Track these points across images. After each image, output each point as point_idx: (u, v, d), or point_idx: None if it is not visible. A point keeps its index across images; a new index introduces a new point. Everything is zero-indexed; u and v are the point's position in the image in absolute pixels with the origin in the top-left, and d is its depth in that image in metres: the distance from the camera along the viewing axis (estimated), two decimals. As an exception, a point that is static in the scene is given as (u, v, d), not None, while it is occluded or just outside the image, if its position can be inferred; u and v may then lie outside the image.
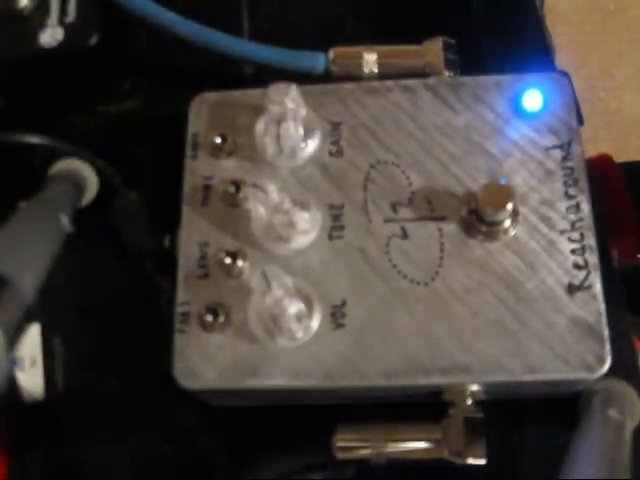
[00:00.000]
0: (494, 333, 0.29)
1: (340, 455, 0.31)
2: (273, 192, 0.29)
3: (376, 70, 0.34)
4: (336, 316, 0.29)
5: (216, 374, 0.29)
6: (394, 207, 0.31)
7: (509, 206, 0.29)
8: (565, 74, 0.33)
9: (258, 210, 0.30)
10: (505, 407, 0.31)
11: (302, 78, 0.33)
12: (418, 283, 0.30)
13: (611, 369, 0.28)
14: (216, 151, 0.32)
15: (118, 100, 0.39)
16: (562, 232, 0.30)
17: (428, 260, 0.30)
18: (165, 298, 0.33)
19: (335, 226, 0.31)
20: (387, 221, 0.31)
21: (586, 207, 0.30)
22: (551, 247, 0.30)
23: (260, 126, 0.32)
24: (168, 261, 0.32)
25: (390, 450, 0.30)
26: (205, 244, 0.31)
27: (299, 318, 0.29)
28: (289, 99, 0.30)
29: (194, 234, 0.31)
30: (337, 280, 0.30)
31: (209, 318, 0.29)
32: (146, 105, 0.39)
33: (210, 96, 0.34)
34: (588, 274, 0.29)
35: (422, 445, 0.30)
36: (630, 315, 0.33)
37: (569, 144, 0.31)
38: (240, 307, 0.30)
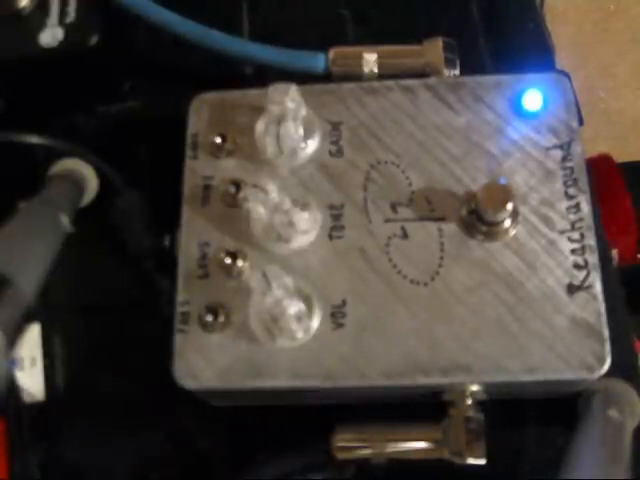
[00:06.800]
0: (494, 333, 0.29)
1: (340, 455, 0.31)
2: (273, 192, 0.29)
3: (376, 70, 0.34)
4: (336, 316, 0.29)
5: (216, 374, 0.29)
6: (394, 207, 0.31)
7: (509, 206, 0.29)
8: (565, 74, 0.33)
9: (258, 210, 0.30)
10: (505, 407, 0.31)
11: (302, 78, 0.33)
12: (418, 283, 0.30)
13: (611, 369, 0.28)
14: (216, 151, 0.32)
15: (118, 100, 0.39)
16: (562, 232, 0.30)
17: (428, 260, 0.30)
18: (165, 298, 0.33)
19: (335, 226, 0.31)
20: (387, 221, 0.31)
21: (586, 207, 0.30)
22: (551, 247, 0.30)
23: (260, 126, 0.32)
24: (168, 261, 0.32)
25: (390, 450, 0.30)
26: (205, 244, 0.31)
27: (299, 318, 0.29)
28: (289, 99, 0.30)
29: (194, 234, 0.31)
30: (337, 280, 0.30)
31: (209, 318, 0.29)
32: (146, 105, 0.39)
33: (210, 96, 0.34)
34: (588, 274, 0.29)
35: (422, 445, 0.30)
36: (630, 315, 0.33)
37: (569, 144, 0.31)
38: (240, 307, 0.30)
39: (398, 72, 0.34)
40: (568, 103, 0.32)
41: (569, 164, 0.31)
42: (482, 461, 0.29)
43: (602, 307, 0.29)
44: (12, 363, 0.32)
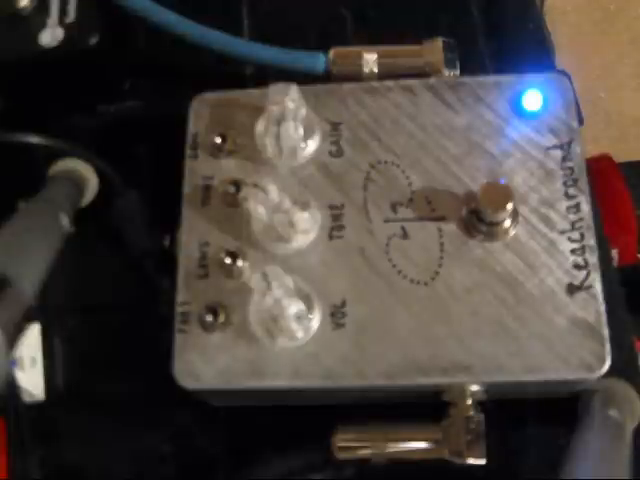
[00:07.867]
0: (494, 333, 0.29)
1: (340, 455, 0.31)
2: (273, 192, 0.29)
3: (376, 70, 0.34)
4: (336, 316, 0.29)
5: (216, 374, 0.29)
6: (394, 207, 0.31)
7: (509, 206, 0.29)
8: (565, 74, 0.33)
9: (258, 210, 0.30)
10: (505, 407, 0.31)
11: (302, 78, 0.33)
12: (418, 283, 0.30)
13: (611, 369, 0.28)
14: (216, 151, 0.33)
15: (118, 100, 0.39)
16: (562, 232, 0.30)
17: (428, 260, 0.30)
18: (165, 298, 0.33)
19: (335, 226, 0.31)
20: (387, 221, 0.31)
21: (586, 207, 0.30)
22: (551, 247, 0.30)
23: (260, 126, 0.32)
24: (168, 261, 0.32)
25: (390, 450, 0.30)
26: (205, 244, 0.31)
27: (299, 318, 0.29)
28: (289, 99, 0.30)
29: (194, 234, 0.31)
30: (337, 280, 0.30)
31: (209, 318, 0.29)
32: (146, 105, 0.39)
33: (210, 96, 0.34)
34: (588, 274, 0.29)
35: (422, 445, 0.30)
36: (630, 315, 0.33)
37: (569, 144, 0.31)
38: (240, 307, 0.30)
39: (398, 72, 0.34)
40: (568, 103, 0.32)
41: (569, 164, 0.31)
42: (482, 461, 0.29)
43: (602, 307, 0.29)
44: (12, 363, 0.32)
